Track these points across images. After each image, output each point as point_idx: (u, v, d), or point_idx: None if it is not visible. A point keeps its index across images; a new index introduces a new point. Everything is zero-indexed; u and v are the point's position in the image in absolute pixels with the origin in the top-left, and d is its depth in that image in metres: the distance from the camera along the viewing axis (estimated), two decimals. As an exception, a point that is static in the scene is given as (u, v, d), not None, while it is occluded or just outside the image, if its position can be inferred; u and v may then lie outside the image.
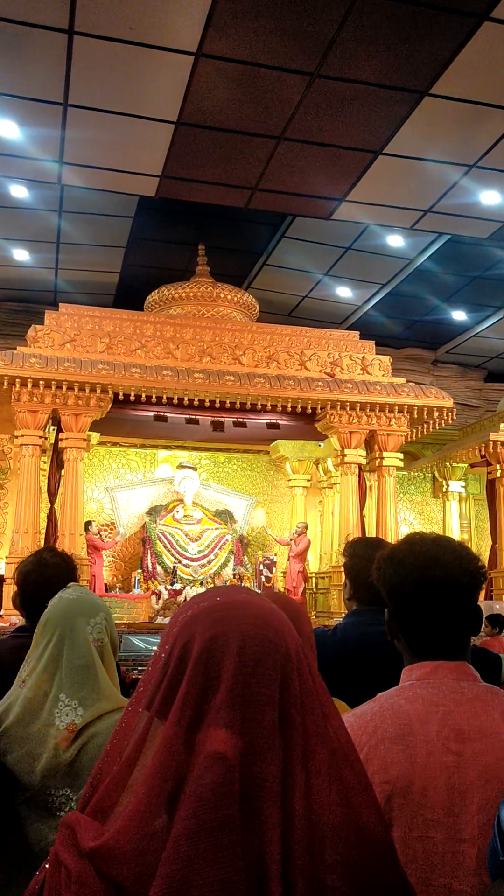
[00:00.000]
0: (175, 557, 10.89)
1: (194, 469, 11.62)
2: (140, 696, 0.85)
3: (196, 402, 9.47)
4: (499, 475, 11.04)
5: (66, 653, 1.64)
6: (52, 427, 9.58)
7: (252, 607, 0.85)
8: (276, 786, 0.78)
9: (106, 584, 10.83)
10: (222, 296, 11.04)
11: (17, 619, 6.96)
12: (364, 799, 0.85)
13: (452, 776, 1.15)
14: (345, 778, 0.84)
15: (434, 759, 1.16)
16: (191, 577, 10.72)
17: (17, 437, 9.29)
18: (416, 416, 10.22)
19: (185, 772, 0.78)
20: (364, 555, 2.05)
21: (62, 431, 9.33)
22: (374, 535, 9.70)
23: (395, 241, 10.14)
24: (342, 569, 2.34)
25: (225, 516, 11.61)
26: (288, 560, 11.41)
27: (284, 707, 0.82)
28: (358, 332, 11.26)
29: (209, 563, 11.01)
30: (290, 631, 0.85)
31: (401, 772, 1.16)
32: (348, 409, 9.88)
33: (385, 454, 10.18)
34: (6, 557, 9.38)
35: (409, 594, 1.28)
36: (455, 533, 12.39)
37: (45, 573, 2.25)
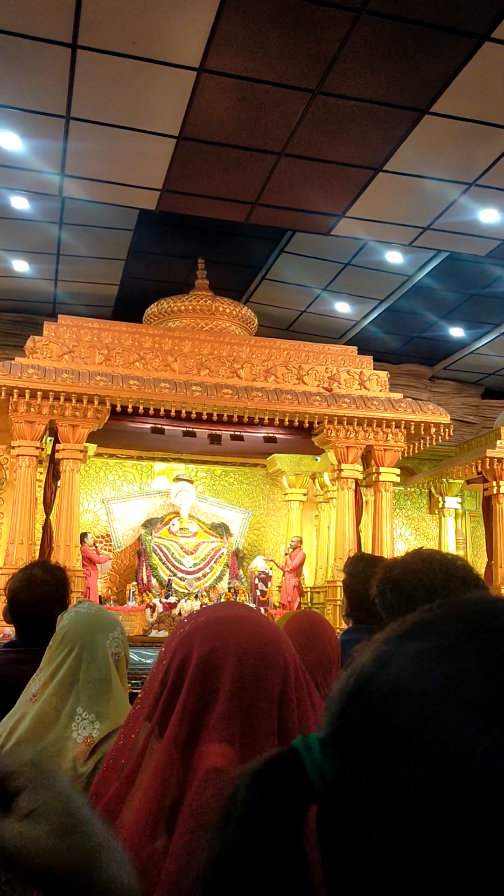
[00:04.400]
0: (170, 570, 10.85)
1: (191, 482, 11.60)
2: (138, 713, 0.84)
3: (193, 415, 9.48)
4: (495, 492, 11.04)
5: (85, 666, 1.65)
6: (49, 438, 9.57)
7: (250, 622, 0.85)
8: None
9: (100, 597, 10.78)
10: (221, 309, 11.07)
11: (10, 630, 6.92)
12: None
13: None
14: None
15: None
16: (186, 591, 10.68)
17: (13, 447, 9.28)
18: (412, 431, 10.23)
19: (184, 787, 0.77)
20: (361, 573, 2.04)
21: (59, 442, 9.32)
22: (370, 552, 9.68)
23: (394, 257, 10.19)
24: (338, 584, 2.33)
25: (221, 529, 11.59)
26: (283, 574, 11.37)
27: (282, 720, 0.81)
28: (356, 348, 11.29)
29: (204, 576, 10.97)
30: (287, 645, 0.85)
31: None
32: (345, 423, 9.89)
33: (382, 469, 10.18)
34: (1, 568, 9.33)
35: None
36: (451, 549, 12.38)
37: (35, 591, 2.23)
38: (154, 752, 0.79)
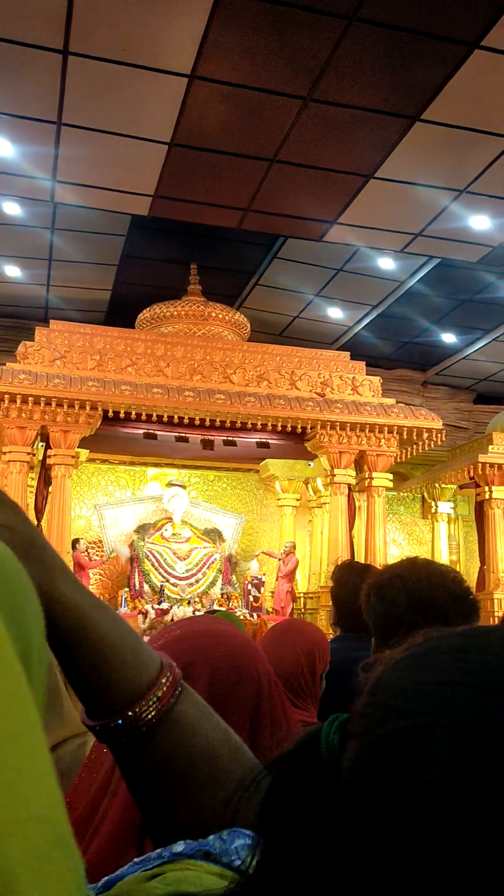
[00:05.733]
0: (163, 576, 10.83)
1: (183, 487, 11.58)
2: None
3: (186, 421, 9.47)
4: (487, 497, 11.06)
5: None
6: (40, 443, 9.55)
7: (224, 637, 0.84)
8: None
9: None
10: (214, 315, 11.07)
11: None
12: None
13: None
14: None
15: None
16: (178, 597, 10.66)
17: (4, 453, 9.25)
18: (405, 436, 10.25)
19: None
20: (349, 582, 2.04)
21: (50, 448, 9.30)
22: (364, 557, 9.68)
23: (386, 263, 10.21)
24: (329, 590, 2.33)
25: (214, 535, 11.57)
26: (276, 580, 11.36)
27: (255, 734, 0.81)
28: (349, 353, 11.31)
29: (197, 582, 10.95)
30: (261, 659, 0.84)
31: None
32: (338, 429, 9.90)
33: (374, 474, 10.19)
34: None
35: (401, 635, 1.23)
36: (444, 554, 12.39)
37: None
38: None
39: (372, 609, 1.26)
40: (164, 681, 0.61)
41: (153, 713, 0.61)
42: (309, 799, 0.47)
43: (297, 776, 0.49)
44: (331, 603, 2.21)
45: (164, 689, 0.61)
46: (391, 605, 1.22)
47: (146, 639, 0.83)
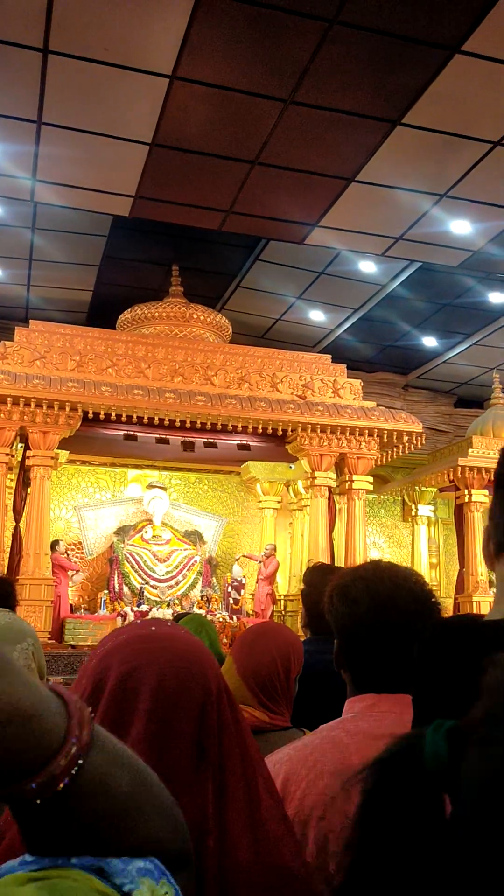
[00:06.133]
0: (143, 578, 10.78)
1: (164, 489, 11.55)
2: None
3: (166, 422, 9.43)
4: (467, 500, 11.12)
5: None
6: (19, 444, 9.48)
7: (172, 641, 0.83)
8: (190, 825, 0.76)
9: (71, 605, 10.68)
10: (195, 316, 11.05)
11: None
12: (281, 835, 0.82)
13: (391, 813, 1.12)
14: (261, 815, 0.81)
15: (372, 795, 1.13)
16: (158, 599, 10.62)
17: (-17, 453, 9.17)
18: (385, 439, 10.28)
19: None
20: (318, 583, 2.03)
21: (29, 449, 9.23)
22: (340, 562, 9.68)
23: (368, 266, 10.24)
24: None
25: (194, 537, 11.54)
26: (257, 582, 11.35)
27: (202, 742, 0.79)
28: (330, 356, 11.33)
29: (177, 584, 10.91)
30: (210, 664, 0.83)
31: (339, 808, 1.13)
32: (319, 431, 9.91)
33: (355, 477, 10.21)
34: (-31, 576, 9.21)
35: (362, 635, 1.23)
36: (424, 557, 12.44)
37: None
38: None
39: (335, 610, 1.26)
40: (61, 760, 0.56)
41: (50, 790, 0.56)
42: (412, 807, 0.48)
43: (397, 785, 0.49)
44: (301, 605, 2.20)
45: (62, 766, 0.56)
46: (354, 605, 1.22)
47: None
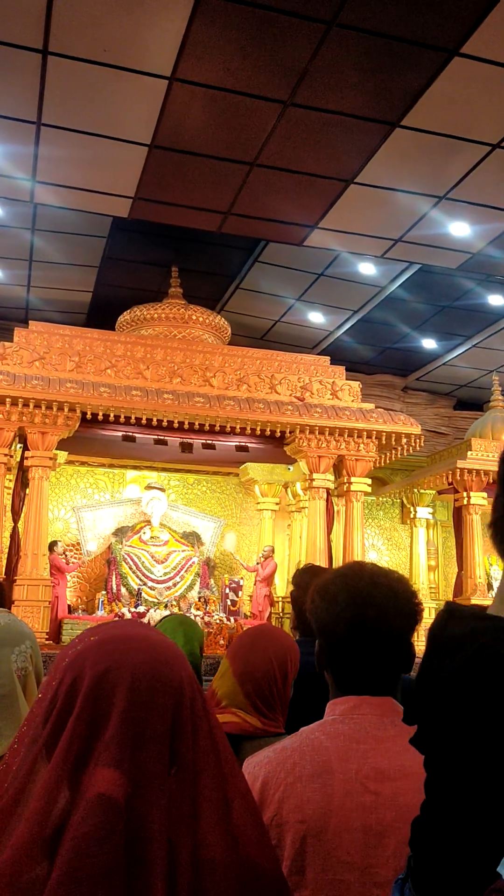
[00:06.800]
0: (140, 579, 10.78)
1: (162, 490, 11.54)
2: (24, 735, 0.81)
3: (165, 423, 9.43)
4: (465, 503, 11.11)
5: None
6: (18, 445, 9.48)
7: (145, 641, 0.83)
8: (162, 827, 0.76)
9: (69, 606, 10.68)
10: (194, 318, 11.05)
11: None
12: (255, 837, 0.82)
13: (369, 817, 1.12)
14: (235, 816, 0.81)
15: (351, 798, 1.13)
16: (156, 600, 10.61)
17: (-19, 454, 9.17)
18: (384, 441, 10.27)
19: (70, 813, 0.75)
20: (305, 584, 2.03)
21: (28, 449, 9.23)
22: (342, 561, 9.68)
23: (367, 268, 10.25)
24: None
25: (192, 538, 11.54)
26: (254, 584, 11.34)
27: (175, 744, 0.79)
28: (329, 358, 11.33)
29: (175, 585, 10.91)
30: (184, 665, 0.83)
31: (316, 811, 1.12)
32: (317, 433, 9.90)
33: (353, 479, 10.20)
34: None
35: (341, 632, 1.23)
36: (422, 559, 12.43)
37: None
38: (40, 776, 0.77)
39: (315, 608, 1.26)
40: None
41: None
42: None
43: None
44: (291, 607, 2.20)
45: None
46: (332, 602, 1.22)
47: None
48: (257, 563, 11.45)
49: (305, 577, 2.13)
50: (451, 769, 0.70)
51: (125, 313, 11.25)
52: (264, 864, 0.81)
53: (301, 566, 2.35)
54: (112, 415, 9.23)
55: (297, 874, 1.09)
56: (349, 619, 1.22)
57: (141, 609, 10.28)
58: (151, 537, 11.21)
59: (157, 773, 0.76)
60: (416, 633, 1.26)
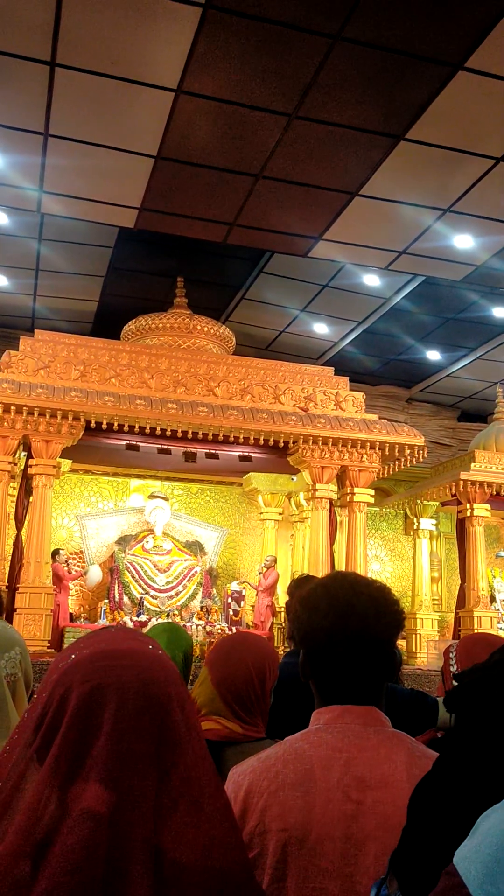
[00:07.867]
0: (143, 588, 10.78)
1: (165, 499, 11.55)
2: (16, 742, 0.82)
3: (169, 433, 9.45)
4: (469, 514, 11.09)
5: None
6: (22, 453, 9.51)
7: (134, 656, 0.84)
8: (147, 843, 0.77)
9: (71, 614, 10.69)
10: (199, 328, 11.09)
11: None
12: (231, 843, 0.83)
13: (351, 825, 1.13)
14: (214, 831, 0.82)
15: (333, 807, 1.14)
16: (158, 609, 10.61)
17: (-14, 461, 9.20)
18: (387, 452, 10.26)
19: (57, 825, 0.76)
20: (296, 593, 2.03)
21: (32, 458, 9.26)
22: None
23: (371, 280, 10.28)
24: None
25: (195, 548, 11.53)
26: (257, 594, 11.33)
27: (161, 761, 0.80)
28: (332, 368, 11.34)
29: (177, 594, 10.90)
30: (173, 680, 0.84)
31: (298, 820, 1.13)
32: (320, 443, 9.91)
33: (356, 490, 10.20)
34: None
35: (323, 641, 1.23)
36: (425, 570, 12.40)
37: None
38: (31, 783, 0.78)
39: (297, 619, 1.27)
40: None
41: None
42: None
43: None
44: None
45: None
46: (313, 611, 1.23)
47: None
48: (259, 574, 11.44)
49: (298, 586, 2.14)
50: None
51: (130, 323, 11.30)
52: (237, 876, 0.82)
53: (295, 576, 2.36)
54: (116, 424, 9.25)
55: (278, 882, 1.10)
56: (330, 628, 1.22)
57: (143, 618, 10.28)
58: (154, 546, 11.21)
59: (142, 790, 0.77)
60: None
